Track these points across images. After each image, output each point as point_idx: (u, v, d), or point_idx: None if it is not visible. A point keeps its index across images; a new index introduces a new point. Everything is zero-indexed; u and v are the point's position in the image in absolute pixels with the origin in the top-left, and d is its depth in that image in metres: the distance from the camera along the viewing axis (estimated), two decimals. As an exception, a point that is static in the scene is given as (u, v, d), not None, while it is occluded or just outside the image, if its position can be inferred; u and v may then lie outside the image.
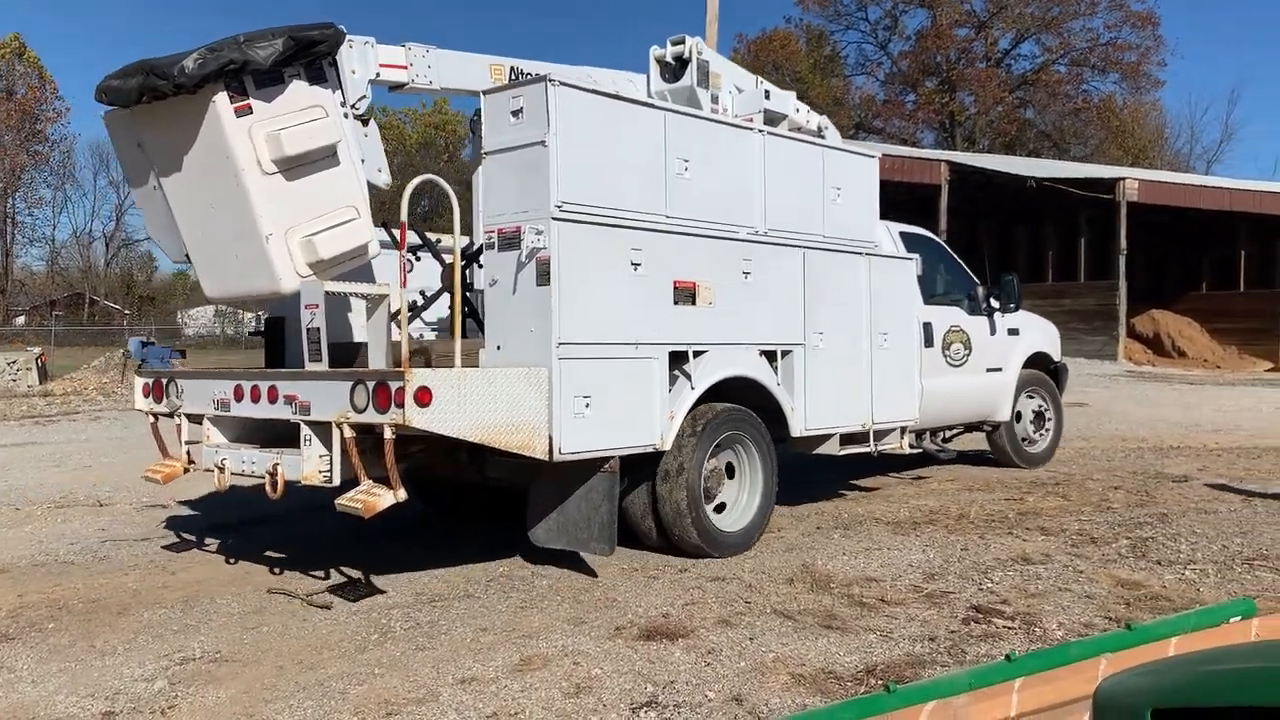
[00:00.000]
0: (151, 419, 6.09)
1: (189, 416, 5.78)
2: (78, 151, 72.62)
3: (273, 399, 5.17)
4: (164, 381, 5.94)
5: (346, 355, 5.49)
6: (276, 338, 6.25)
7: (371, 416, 4.65)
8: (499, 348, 5.11)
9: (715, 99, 6.88)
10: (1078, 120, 51.93)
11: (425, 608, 4.82)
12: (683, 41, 6.83)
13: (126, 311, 55.77)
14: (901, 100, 52.45)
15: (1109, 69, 49.62)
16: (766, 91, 7.20)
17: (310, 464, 4.91)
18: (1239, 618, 4.37)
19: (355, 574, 5.43)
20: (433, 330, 6.39)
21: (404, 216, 5.04)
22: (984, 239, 33.02)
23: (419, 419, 4.53)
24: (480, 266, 5.69)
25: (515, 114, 5.10)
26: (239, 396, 5.39)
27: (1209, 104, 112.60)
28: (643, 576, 5.27)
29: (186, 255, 5.68)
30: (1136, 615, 4.42)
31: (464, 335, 5.13)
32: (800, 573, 5.27)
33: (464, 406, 4.68)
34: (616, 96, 5.55)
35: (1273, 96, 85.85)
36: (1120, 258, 25.46)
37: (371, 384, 4.65)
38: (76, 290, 58.78)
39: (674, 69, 6.87)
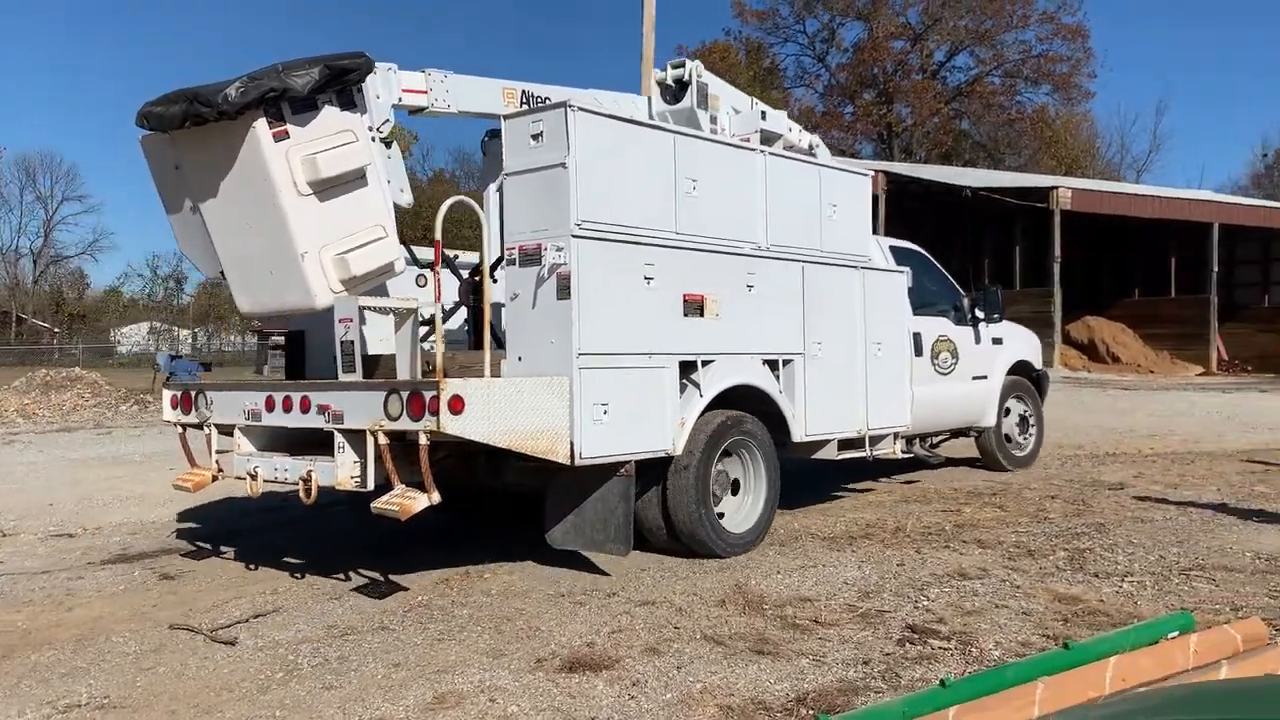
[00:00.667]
0: (180, 429, 6.33)
1: (219, 427, 6.02)
2: (3, 166, 70.44)
3: (305, 409, 5.39)
4: (193, 393, 6.17)
5: (363, 367, 5.70)
6: (297, 351, 6.65)
7: (405, 424, 4.87)
8: (520, 359, 5.34)
9: (714, 119, 7.11)
10: (1012, 131, 52.83)
11: (336, 642, 4.55)
12: (682, 65, 7.07)
13: (56, 330, 54.22)
14: (840, 112, 52.94)
15: (1041, 80, 50.58)
16: (763, 112, 7.50)
17: (344, 470, 5.15)
18: (1177, 633, 4.28)
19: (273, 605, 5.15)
20: (444, 343, 6.36)
21: (438, 235, 5.18)
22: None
23: (453, 426, 4.77)
24: (494, 282, 5.79)
25: (535, 137, 5.37)
26: (270, 407, 5.62)
27: (1137, 115, 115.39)
28: (569, 603, 5.05)
29: (221, 272, 5.91)
30: (1074, 632, 4.30)
31: (480, 348, 5.27)
32: (733, 594, 5.08)
33: (492, 414, 4.92)
34: (630, 120, 5.89)
35: (1198, 107, 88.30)
36: (1055, 265, 25.81)
37: (405, 394, 4.88)
38: (2, 309, 57.03)
39: (674, 91, 7.10)
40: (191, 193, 5.80)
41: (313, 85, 5.32)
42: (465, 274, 6.58)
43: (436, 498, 4.90)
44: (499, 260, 5.84)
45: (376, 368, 5.74)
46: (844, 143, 49.64)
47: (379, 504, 4.96)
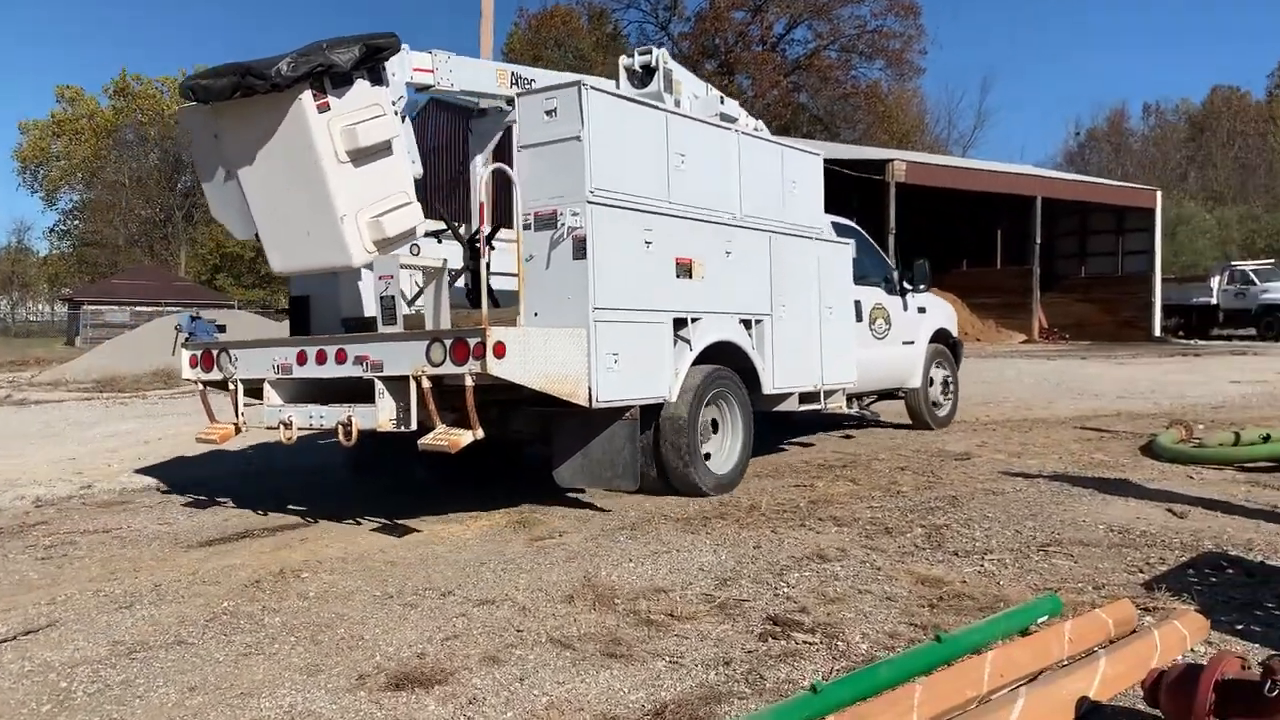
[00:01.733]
0: (200, 387, 6.76)
1: (244, 382, 6.41)
2: None
3: (341, 360, 5.84)
4: (214, 352, 6.58)
5: (361, 326, 6.48)
6: (301, 312, 7.10)
7: (449, 369, 5.35)
8: (536, 314, 5.84)
9: (678, 103, 7.50)
10: (847, 105, 54.12)
11: (121, 662, 3.90)
12: (650, 52, 7.60)
13: None
14: (682, 81, 52.92)
15: (875, 56, 52.00)
16: (721, 98, 8.09)
17: (384, 414, 5.60)
18: (1046, 617, 4.10)
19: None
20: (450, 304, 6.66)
21: (483, 197, 5.77)
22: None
23: (496, 368, 5.28)
24: (492, 248, 6.09)
25: (549, 113, 5.89)
26: (302, 360, 6.05)
27: (964, 92, 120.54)
28: (398, 605, 4.51)
29: (256, 235, 6.29)
30: (942, 619, 4.07)
31: (479, 306, 5.60)
32: (581, 587, 4.66)
33: (527, 359, 5.46)
34: (632, 99, 6.49)
35: (1019, 86, 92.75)
36: (890, 237, 26.35)
37: (449, 341, 5.37)
38: None
39: (641, 77, 7.58)
40: (230, 160, 6.15)
41: (353, 62, 5.77)
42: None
43: (480, 433, 5.38)
44: (496, 229, 6.47)
45: (372, 327, 6.25)
46: (687, 112, 49.68)
47: (427, 440, 5.40)
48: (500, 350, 5.31)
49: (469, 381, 5.32)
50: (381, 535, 5.95)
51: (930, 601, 4.33)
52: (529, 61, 53.30)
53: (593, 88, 5.95)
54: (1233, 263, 37.36)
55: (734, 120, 7.97)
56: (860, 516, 5.96)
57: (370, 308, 6.45)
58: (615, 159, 6.02)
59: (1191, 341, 32.51)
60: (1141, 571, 4.72)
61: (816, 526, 5.74)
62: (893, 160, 27.09)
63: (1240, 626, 3.92)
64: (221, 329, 7.54)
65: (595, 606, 4.39)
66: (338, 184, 5.80)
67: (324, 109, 5.73)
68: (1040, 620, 3.99)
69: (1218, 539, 5.27)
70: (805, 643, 3.87)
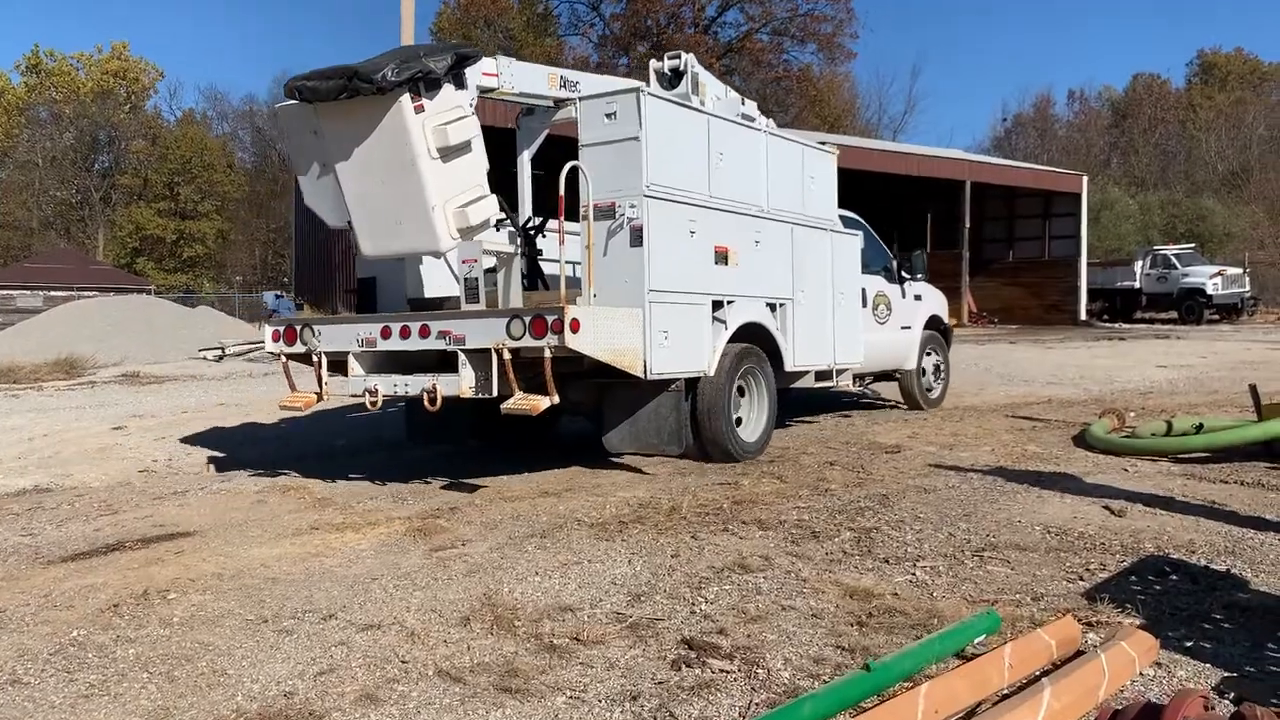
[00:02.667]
0: (282, 359, 7.27)
1: (327, 354, 6.94)
2: None
3: (424, 335, 6.40)
4: (297, 327, 7.08)
5: (426, 305, 7.12)
6: (369, 293, 7.63)
7: (528, 342, 5.95)
8: (595, 295, 6.39)
9: (703, 104, 7.91)
10: (779, 88, 54.00)
11: (-64, 711, 3.37)
12: (679, 57, 8.16)
13: None
14: (615, 62, 52.36)
15: (807, 39, 51.97)
16: (741, 99, 8.63)
17: (466, 382, 6.21)
18: (984, 636, 3.76)
19: None
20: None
21: (561, 191, 6.35)
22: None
23: (572, 341, 5.88)
24: (544, 236, 7.64)
25: (609, 115, 6.55)
26: (386, 335, 6.60)
27: (894, 77, 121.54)
28: (271, 631, 4.03)
29: (348, 222, 6.76)
30: (871, 640, 3.71)
31: (534, 288, 6.89)
32: (480, 607, 4.22)
33: (597, 334, 6.07)
34: (680, 103, 7.19)
35: (948, 71, 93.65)
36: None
37: (528, 318, 5.97)
38: None
39: (670, 79, 8.08)
40: (329, 155, 6.62)
41: (446, 69, 6.32)
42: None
43: (556, 399, 6.02)
44: (545, 220, 7.76)
45: (441, 307, 6.99)
46: (619, 94, 49.15)
47: (510, 405, 6.00)
48: (575, 326, 5.94)
49: (547, 354, 5.95)
50: (267, 546, 5.44)
51: (859, 618, 3.97)
52: (459, 40, 52.26)
53: (650, 93, 6.70)
54: (1155, 247, 37.99)
55: (753, 119, 8.46)
56: (786, 518, 5.60)
57: (431, 289, 7.30)
58: (667, 157, 6.73)
59: (1115, 325, 32.98)
60: (1081, 579, 4.43)
61: (740, 531, 5.36)
62: (826, 143, 26.87)
63: (1190, 644, 3.63)
64: (300, 306, 7.65)
65: (493, 630, 3.96)
66: (430, 178, 6.34)
67: (419, 110, 6.28)
68: (978, 640, 3.66)
69: (1158, 540, 5.00)
70: (722, 671, 3.48)
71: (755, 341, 7.64)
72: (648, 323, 6.48)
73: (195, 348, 20.05)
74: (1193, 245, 38.36)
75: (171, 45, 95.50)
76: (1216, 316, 33.34)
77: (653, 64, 8.26)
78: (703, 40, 50.64)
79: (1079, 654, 3.48)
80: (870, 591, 4.30)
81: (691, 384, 7.05)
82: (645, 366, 6.46)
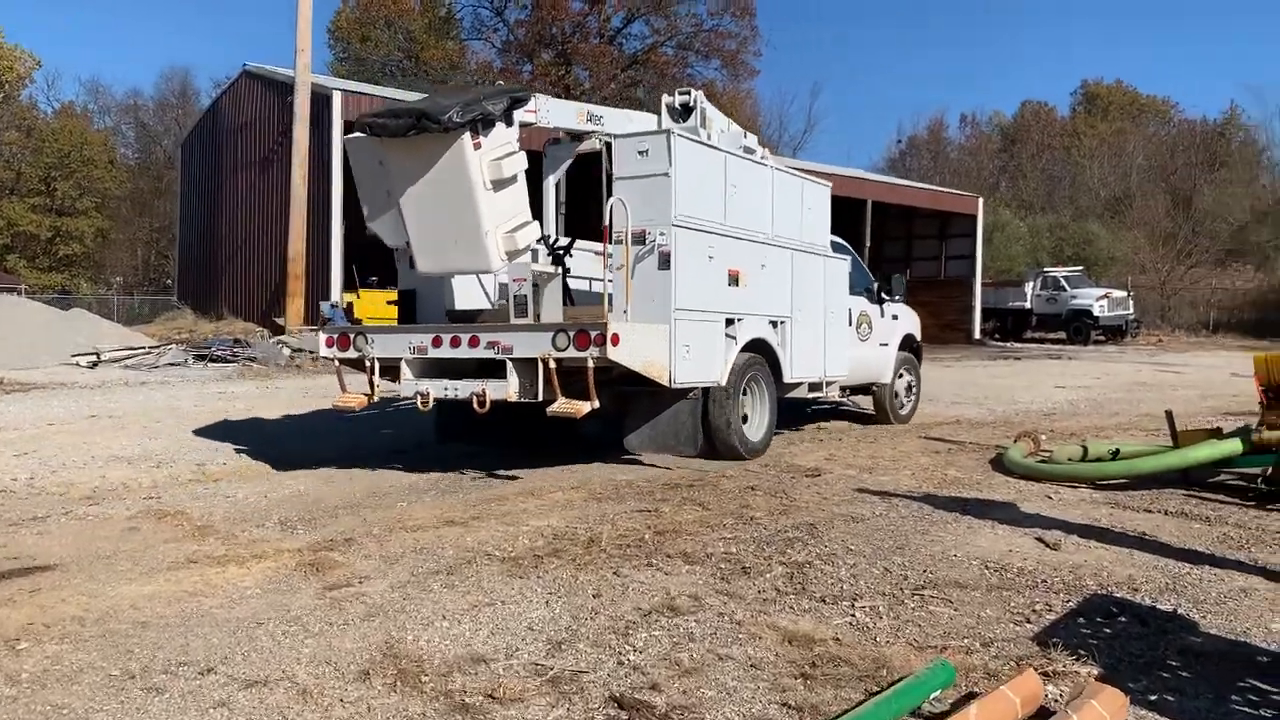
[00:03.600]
0: (336, 364, 7.93)
1: (380, 360, 7.52)
2: None
3: (474, 344, 7.03)
4: (351, 335, 7.71)
5: (466, 317, 7.79)
6: (409, 304, 8.14)
7: (572, 354, 6.59)
8: (625, 312, 6.99)
9: (709, 137, 8.62)
10: (684, 102, 54.08)
11: None
12: (689, 93, 8.93)
13: None
14: (518, 69, 51.80)
15: (711, 55, 52.24)
16: (744, 133, 9.36)
17: (513, 388, 6.84)
18: (940, 690, 3.47)
19: None
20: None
21: (606, 221, 7.16)
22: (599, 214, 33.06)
23: (613, 354, 6.53)
24: (570, 256, 8.44)
25: (642, 153, 7.21)
26: (437, 344, 7.22)
27: (795, 96, 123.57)
28: (139, 689, 3.49)
29: (407, 242, 7.44)
30: (818, 695, 3.39)
31: (567, 304, 7.61)
32: (381, 658, 3.76)
33: (633, 348, 6.74)
34: (702, 143, 7.97)
35: (847, 91, 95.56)
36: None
37: (573, 332, 6.61)
38: None
39: (680, 113, 8.80)
40: (393, 183, 7.25)
41: (502, 111, 7.01)
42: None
43: (597, 404, 6.68)
44: (571, 242, 8.60)
45: (474, 318, 7.83)
46: (522, 101, 48.53)
47: (555, 408, 6.69)
48: (615, 340, 6.65)
49: (590, 363, 6.60)
50: (138, 583, 4.85)
51: (802, 669, 3.64)
52: (358, 42, 50.95)
53: (680, 135, 7.42)
54: (1045, 269, 39.16)
55: (754, 152, 9.13)
56: (713, 551, 5.25)
57: (463, 302, 8.15)
58: (691, 191, 7.46)
59: (1007, 344, 33.81)
60: (1029, 621, 4.19)
61: (665, 565, 5.00)
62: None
63: (1153, 696, 3.40)
64: (349, 315, 9.14)
65: (397, 686, 3.51)
66: (484, 206, 7.02)
67: (477, 147, 6.94)
68: (934, 695, 3.37)
69: (1099, 577, 4.81)
70: (658, 737, 3.11)
71: (760, 354, 8.46)
72: (673, 337, 7.26)
73: (68, 353, 18.82)
74: (1080, 268, 39.67)
75: (49, 33, 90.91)
76: (1103, 337, 34.48)
77: (665, 98, 9.02)
78: (608, 51, 50.47)
79: (1044, 711, 3.22)
80: (810, 637, 3.98)
81: (705, 391, 7.81)
82: (670, 376, 7.24)
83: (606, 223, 7.18)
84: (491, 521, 5.97)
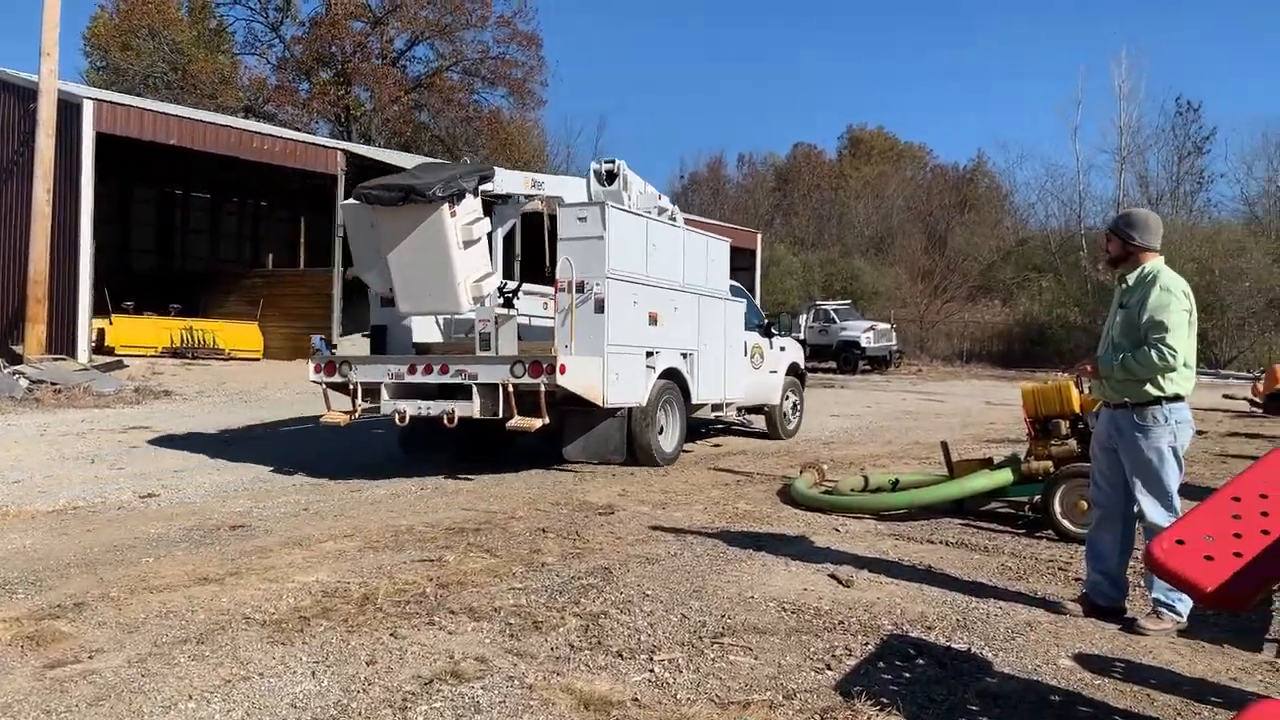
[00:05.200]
0: (323, 387, 9.49)
1: (362, 385, 9.08)
2: None
3: (445, 371, 8.71)
4: (336, 363, 9.34)
5: (425, 349, 9.58)
6: (380, 336, 9.83)
7: (527, 381, 8.33)
8: (566, 346, 8.71)
9: (629, 198, 10.25)
10: (470, 128, 53.42)
11: None
12: (613, 162, 10.35)
13: None
14: (295, 87, 49.69)
15: (498, 83, 51.75)
16: (658, 195, 10.94)
17: (478, 408, 8.53)
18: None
19: None
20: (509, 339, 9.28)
21: (554, 273, 8.99)
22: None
23: (561, 380, 8.28)
24: (518, 298, 10.08)
25: (581, 219, 8.93)
26: (413, 371, 8.85)
27: (582, 128, 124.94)
28: None
29: (390, 288, 9.00)
30: (620, 770, 3.09)
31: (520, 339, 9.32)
32: (107, 756, 3.17)
33: (575, 375, 8.46)
34: (628, 211, 9.73)
35: (632, 124, 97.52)
36: (515, 262, 25.80)
37: (527, 363, 8.39)
38: None
39: (604, 177, 10.30)
40: (381, 241, 8.80)
41: (474, 186, 8.69)
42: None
43: (547, 420, 8.39)
44: (519, 286, 10.33)
45: (430, 349, 9.58)
46: (299, 120, 46.59)
47: (514, 423, 8.34)
48: (563, 369, 8.29)
49: (543, 388, 8.23)
50: None
51: (601, 739, 3.34)
52: (118, 51, 47.42)
53: (612, 206, 9.11)
54: (817, 302, 40.91)
55: (666, 210, 10.89)
56: (502, 604, 4.87)
57: (419, 335, 9.74)
58: (620, 249, 9.07)
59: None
60: (829, 668, 4.05)
61: (449, 623, 4.57)
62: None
63: (959, 747, 3.30)
64: (334, 347, 10.55)
65: (126, 792, 2.95)
66: (457, 262, 8.53)
67: (453, 215, 8.46)
68: (741, 763, 3.15)
69: (893, 615, 4.77)
70: (441, 834, 2.72)
71: (673, 380, 10.08)
72: (606, 367, 8.78)
73: None
74: (849, 301, 41.72)
75: None
76: (869, 367, 36.27)
77: (592, 164, 10.56)
78: (390, 73, 49.10)
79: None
80: (608, 699, 3.68)
81: (629, 410, 9.35)
82: (604, 398, 8.80)
83: (555, 275, 8.83)
84: (252, 578, 5.34)
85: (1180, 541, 3.09)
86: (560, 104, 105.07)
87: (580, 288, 8.80)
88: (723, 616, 4.71)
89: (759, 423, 13.50)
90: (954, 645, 4.35)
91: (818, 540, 6.50)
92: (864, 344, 36.21)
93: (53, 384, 15.96)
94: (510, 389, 8.29)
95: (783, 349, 13.35)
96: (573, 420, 9.11)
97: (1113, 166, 46.75)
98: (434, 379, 8.70)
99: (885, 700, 3.68)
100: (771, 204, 73.57)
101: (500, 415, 8.37)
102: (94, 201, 19.31)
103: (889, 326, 38.28)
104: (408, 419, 8.78)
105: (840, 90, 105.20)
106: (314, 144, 23.80)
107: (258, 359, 23.54)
